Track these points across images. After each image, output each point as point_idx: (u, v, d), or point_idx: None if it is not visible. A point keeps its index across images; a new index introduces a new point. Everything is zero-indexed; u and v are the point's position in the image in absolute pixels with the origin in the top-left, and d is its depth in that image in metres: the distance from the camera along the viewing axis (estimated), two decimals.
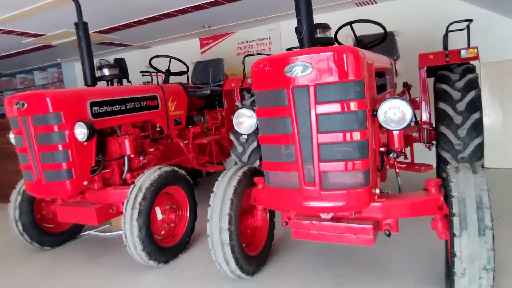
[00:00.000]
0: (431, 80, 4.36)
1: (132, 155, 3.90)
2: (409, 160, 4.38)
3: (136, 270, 3.35)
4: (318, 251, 3.37)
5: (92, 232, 4.49)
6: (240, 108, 2.76)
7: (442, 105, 3.87)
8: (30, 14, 4.96)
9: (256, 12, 6.14)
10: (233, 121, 2.77)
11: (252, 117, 2.68)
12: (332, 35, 3.52)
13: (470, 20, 4.08)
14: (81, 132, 3.28)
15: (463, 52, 3.96)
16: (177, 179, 3.55)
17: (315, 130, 2.17)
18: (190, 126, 4.98)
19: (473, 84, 3.87)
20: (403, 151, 4.34)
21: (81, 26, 3.75)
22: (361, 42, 3.63)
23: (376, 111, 2.25)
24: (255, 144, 4.23)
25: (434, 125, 4.11)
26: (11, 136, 3.53)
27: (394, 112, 2.20)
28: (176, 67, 5.49)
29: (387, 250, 3.24)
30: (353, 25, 3.58)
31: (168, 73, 5.38)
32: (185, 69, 5.54)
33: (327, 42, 3.22)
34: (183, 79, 5.83)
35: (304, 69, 2.14)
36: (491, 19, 5.47)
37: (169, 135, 4.72)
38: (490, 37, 5.44)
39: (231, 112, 5.16)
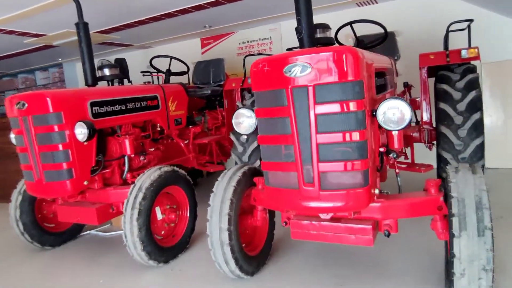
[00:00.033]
0: (432, 80, 4.35)
1: (133, 155, 3.90)
2: (409, 160, 4.38)
3: (136, 270, 3.36)
4: (318, 251, 3.37)
5: (92, 231, 4.50)
6: (240, 108, 2.76)
7: (442, 105, 3.87)
8: (31, 14, 4.98)
9: (256, 12, 6.14)
10: (233, 121, 2.77)
11: (252, 117, 2.68)
12: (333, 35, 3.52)
13: (471, 20, 4.07)
14: (81, 132, 3.29)
15: (463, 52, 3.96)
16: (177, 179, 3.55)
17: (314, 130, 2.16)
18: (190, 126, 4.99)
19: (474, 84, 3.87)
20: (404, 151, 4.34)
21: (82, 26, 3.76)
22: (361, 42, 3.63)
23: (375, 111, 2.25)
24: (255, 144, 4.23)
25: (434, 125, 4.11)
26: (12, 136, 3.54)
27: (393, 113, 2.20)
28: (176, 67, 5.50)
29: (386, 251, 3.23)
30: (354, 25, 3.58)
31: (168, 73, 5.38)
32: (185, 69, 5.54)
33: (327, 42, 3.22)
34: (184, 79, 5.83)
35: (303, 69, 2.14)
36: (492, 19, 5.46)
37: (169, 135, 4.72)
38: (491, 37, 5.43)
39: (231, 112, 5.15)
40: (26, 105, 3.23)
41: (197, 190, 3.83)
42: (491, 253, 2.03)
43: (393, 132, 2.43)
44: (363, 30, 3.85)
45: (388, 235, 2.50)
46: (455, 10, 5.43)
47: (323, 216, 2.48)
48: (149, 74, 5.81)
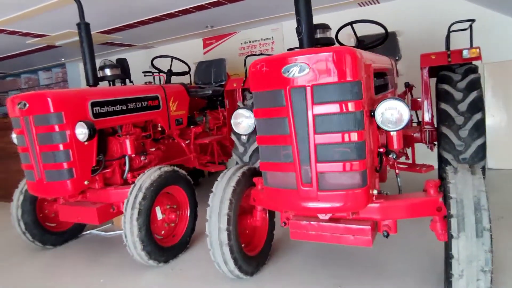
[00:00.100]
0: (433, 81, 4.34)
1: (133, 155, 3.91)
2: (410, 161, 4.36)
3: (136, 270, 3.37)
4: (317, 251, 3.37)
5: (93, 231, 4.51)
6: (238, 108, 2.77)
7: (443, 106, 3.86)
8: (33, 15, 5.00)
9: (258, 12, 6.14)
10: (232, 121, 2.77)
11: (250, 117, 2.68)
12: (333, 36, 3.51)
13: (473, 20, 4.05)
14: (81, 132, 3.30)
15: (465, 52, 3.94)
16: (177, 179, 3.56)
17: (312, 130, 2.16)
18: (191, 126, 5.00)
19: (475, 85, 3.85)
20: (405, 151, 4.32)
21: (83, 27, 3.78)
22: (362, 42, 3.62)
23: (374, 112, 2.24)
24: (256, 144, 4.22)
25: (436, 126, 4.09)
26: (13, 135, 3.57)
27: (392, 113, 2.19)
28: (178, 67, 5.51)
29: (386, 251, 3.23)
30: (355, 25, 3.57)
31: (169, 73, 5.39)
32: (187, 69, 5.56)
33: (327, 43, 3.21)
34: (185, 79, 5.85)
35: (301, 70, 2.14)
36: (495, 18, 5.43)
37: (170, 135, 4.73)
38: (494, 37, 5.40)
39: (232, 112, 5.15)
40: (27, 105, 3.25)
41: (198, 190, 3.84)
42: (490, 254, 2.01)
43: (392, 133, 2.42)
44: (364, 30, 3.85)
45: (387, 236, 2.49)
46: (457, 10, 5.40)
47: (321, 216, 2.48)
48: (151, 74, 5.83)
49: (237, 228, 2.85)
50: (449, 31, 4.12)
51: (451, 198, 2.17)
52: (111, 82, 4.56)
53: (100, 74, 4.43)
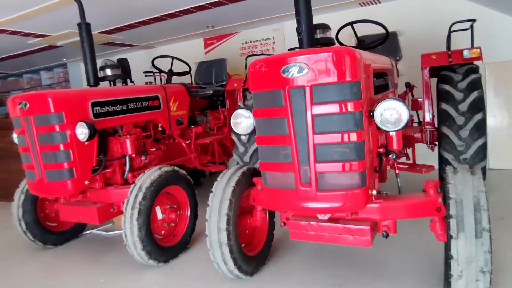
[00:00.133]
0: (434, 81, 4.33)
1: (134, 155, 3.92)
2: (410, 161, 4.35)
3: (136, 269, 3.37)
4: (317, 251, 3.37)
5: (94, 231, 4.52)
6: (238, 108, 2.77)
7: (444, 106, 3.85)
8: (34, 15, 5.02)
9: (259, 12, 6.14)
10: (231, 122, 2.78)
11: (250, 117, 2.68)
12: (333, 35, 3.51)
13: (473, 20, 4.04)
14: (82, 132, 3.31)
15: (465, 53, 3.93)
16: (177, 179, 3.56)
17: (311, 131, 2.16)
18: (192, 126, 5.00)
19: (476, 85, 3.84)
20: (405, 152, 4.32)
21: (84, 27, 3.78)
22: (362, 42, 3.62)
23: (373, 112, 2.24)
24: (256, 144, 4.22)
25: (437, 126, 4.09)
26: (14, 135, 3.58)
27: (391, 113, 2.19)
28: (179, 67, 5.52)
29: (385, 251, 3.22)
30: (356, 25, 3.56)
31: (170, 73, 5.40)
32: (187, 69, 5.56)
33: (327, 43, 3.22)
34: (187, 79, 5.85)
35: (300, 70, 2.14)
36: (496, 18, 5.42)
37: (171, 135, 4.74)
38: (495, 37, 5.39)
39: (233, 112, 5.16)
40: (28, 105, 3.26)
41: (199, 190, 3.85)
42: (489, 254, 2.01)
43: (391, 133, 2.42)
44: (364, 30, 3.84)
45: (386, 236, 2.49)
46: (459, 9, 5.39)
47: (320, 216, 2.48)
48: (152, 74, 5.84)
49: (236, 228, 2.85)
50: (450, 31, 4.11)
51: (451, 198, 2.16)
52: (111, 82, 4.57)
53: (101, 74, 4.44)
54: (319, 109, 2.15)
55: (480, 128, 3.71)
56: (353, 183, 2.18)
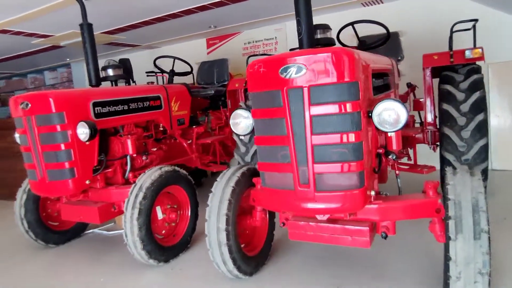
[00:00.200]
0: (436, 81, 4.31)
1: (135, 155, 3.93)
2: (412, 162, 4.34)
3: (137, 269, 3.39)
4: (317, 252, 3.36)
5: (96, 230, 4.55)
6: (237, 109, 2.77)
7: (445, 106, 3.84)
8: (37, 16, 5.05)
9: (261, 12, 6.14)
10: (230, 122, 2.78)
11: (249, 118, 2.68)
12: (334, 36, 3.51)
13: (476, 20, 4.02)
14: (83, 132, 3.33)
15: (467, 53, 3.91)
16: (178, 179, 3.57)
17: (309, 131, 2.17)
18: (194, 126, 5.01)
19: (478, 85, 3.82)
20: (407, 152, 4.30)
21: (86, 27, 3.80)
22: (363, 42, 3.61)
23: (371, 113, 2.24)
24: None
25: (438, 127, 4.07)
26: (16, 135, 3.60)
27: (389, 114, 2.19)
28: (181, 67, 5.53)
29: (385, 252, 3.22)
30: (357, 25, 3.55)
31: (172, 73, 5.42)
32: (189, 70, 5.57)
33: (328, 43, 3.21)
34: (188, 79, 5.86)
35: (298, 71, 2.14)
36: (499, 18, 5.38)
37: (172, 135, 4.75)
38: (498, 36, 5.35)
39: None
40: (30, 105, 3.28)
41: (201, 190, 3.86)
42: (488, 256, 2.00)
43: (390, 134, 2.41)
44: (365, 30, 3.83)
45: (385, 237, 2.49)
46: (461, 9, 5.35)
47: (319, 217, 2.48)
48: (154, 74, 5.86)
49: (236, 228, 2.85)
50: (452, 31, 4.08)
51: (449, 199, 2.16)
52: (113, 82, 4.59)
53: (102, 74, 4.46)
54: (317, 110, 2.15)
55: (482, 129, 3.69)
56: (351, 184, 2.18)
